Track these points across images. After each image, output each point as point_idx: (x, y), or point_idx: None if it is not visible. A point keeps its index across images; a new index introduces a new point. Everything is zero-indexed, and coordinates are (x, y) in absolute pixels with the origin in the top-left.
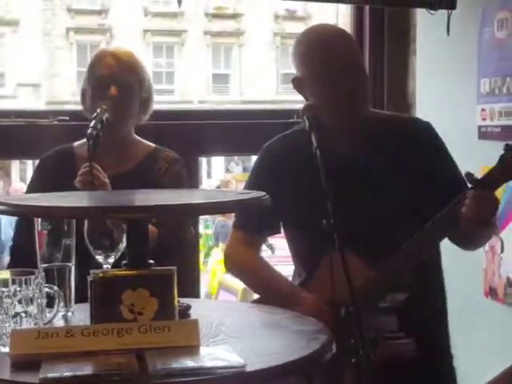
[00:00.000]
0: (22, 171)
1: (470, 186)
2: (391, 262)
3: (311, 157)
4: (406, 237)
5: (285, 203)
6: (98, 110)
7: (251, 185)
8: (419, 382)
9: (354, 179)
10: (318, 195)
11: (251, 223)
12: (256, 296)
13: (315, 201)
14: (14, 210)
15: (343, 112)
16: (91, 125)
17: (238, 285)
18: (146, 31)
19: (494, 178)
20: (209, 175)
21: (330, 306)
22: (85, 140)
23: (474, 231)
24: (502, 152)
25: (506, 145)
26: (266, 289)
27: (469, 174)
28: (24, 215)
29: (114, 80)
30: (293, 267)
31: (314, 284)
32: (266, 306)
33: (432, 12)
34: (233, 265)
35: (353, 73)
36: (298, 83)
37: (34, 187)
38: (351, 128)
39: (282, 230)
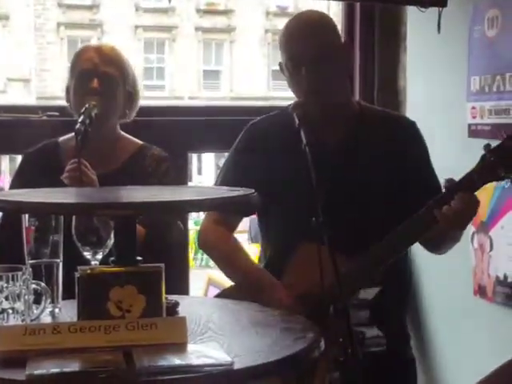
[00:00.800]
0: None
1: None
2: (366, 258)
3: (297, 143)
4: (383, 233)
5: (266, 186)
6: (87, 105)
7: (231, 164)
8: (385, 374)
9: (336, 174)
10: (301, 182)
11: None
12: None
13: (299, 188)
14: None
15: (315, 105)
16: (80, 120)
17: (228, 282)
18: (137, 27)
19: (474, 179)
20: (199, 171)
21: (303, 298)
22: (71, 135)
23: (449, 232)
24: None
25: (486, 145)
26: (235, 271)
27: (450, 180)
28: (10, 211)
29: (96, 72)
30: None
31: (288, 273)
32: (239, 299)
33: (423, 9)
34: (205, 243)
35: (319, 63)
36: (280, 69)
37: (18, 183)
38: (333, 121)
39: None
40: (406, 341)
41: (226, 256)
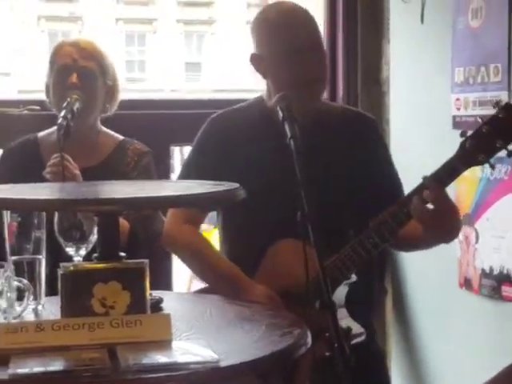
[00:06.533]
0: None
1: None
2: (345, 252)
3: (265, 137)
4: (353, 230)
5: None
6: (69, 99)
7: (194, 160)
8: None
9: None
10: (275, 178)
11: None
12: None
13: (272, 184)
14: None
15: (302, 97)
16: (61, 114)
17: None
18: (117, 19)
19: (456, 165)
20: (182, 163)
21: (283, 296)
22: (51, 130)
23: (430, 232)
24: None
25: (463, 132)
26: (210, 271)
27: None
28: None
29: (75, 67)
30: None
31: (263, 271)
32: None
33: (406, 0)
34: (173, 243)
35: (316, 57)
36: (258, 61)
37: None
38: (304, 116)
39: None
40: (374, 335)
41: (197, 255)
